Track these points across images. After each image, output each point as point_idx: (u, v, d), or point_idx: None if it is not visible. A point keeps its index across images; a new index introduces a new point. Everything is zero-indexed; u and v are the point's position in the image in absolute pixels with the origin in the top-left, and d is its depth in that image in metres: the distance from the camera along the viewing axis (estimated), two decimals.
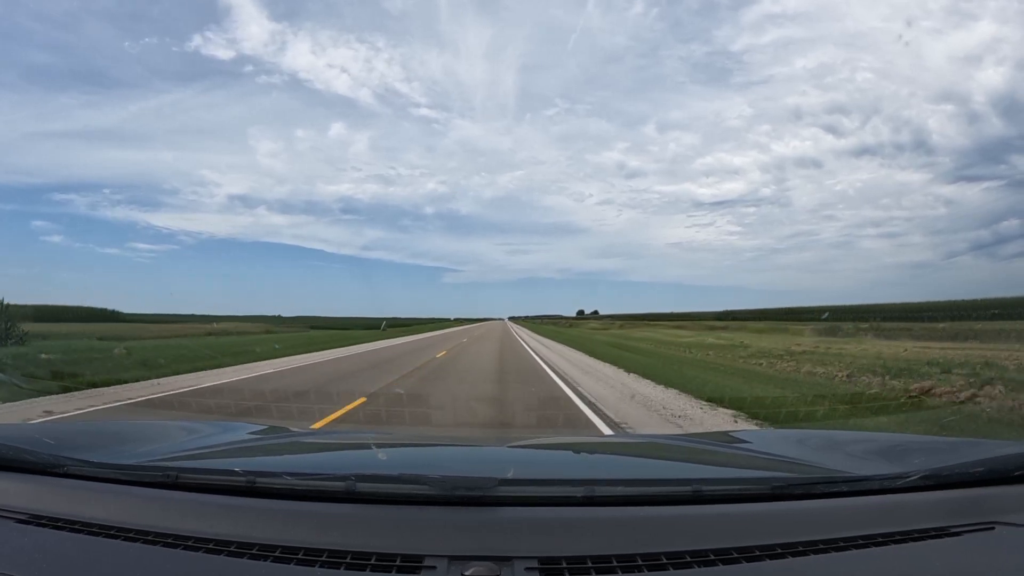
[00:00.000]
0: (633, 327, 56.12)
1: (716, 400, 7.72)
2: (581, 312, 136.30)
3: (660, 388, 9.38)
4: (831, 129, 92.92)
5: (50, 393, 7.85)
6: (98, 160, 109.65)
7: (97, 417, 6.42)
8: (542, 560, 0.90)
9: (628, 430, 6.12)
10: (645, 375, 11.27)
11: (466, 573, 0.87)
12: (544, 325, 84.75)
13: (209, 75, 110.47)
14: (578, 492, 1.08)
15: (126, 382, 9.34)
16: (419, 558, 0.91)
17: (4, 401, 7.15)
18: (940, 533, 1.02)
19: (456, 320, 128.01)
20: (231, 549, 0.94)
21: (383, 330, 43.06)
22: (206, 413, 6.80)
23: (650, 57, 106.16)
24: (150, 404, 7.35)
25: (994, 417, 6.12)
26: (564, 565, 0.90)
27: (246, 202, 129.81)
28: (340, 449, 1.97)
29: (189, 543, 0.96)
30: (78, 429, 2.50)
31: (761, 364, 13.96)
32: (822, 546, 0.96)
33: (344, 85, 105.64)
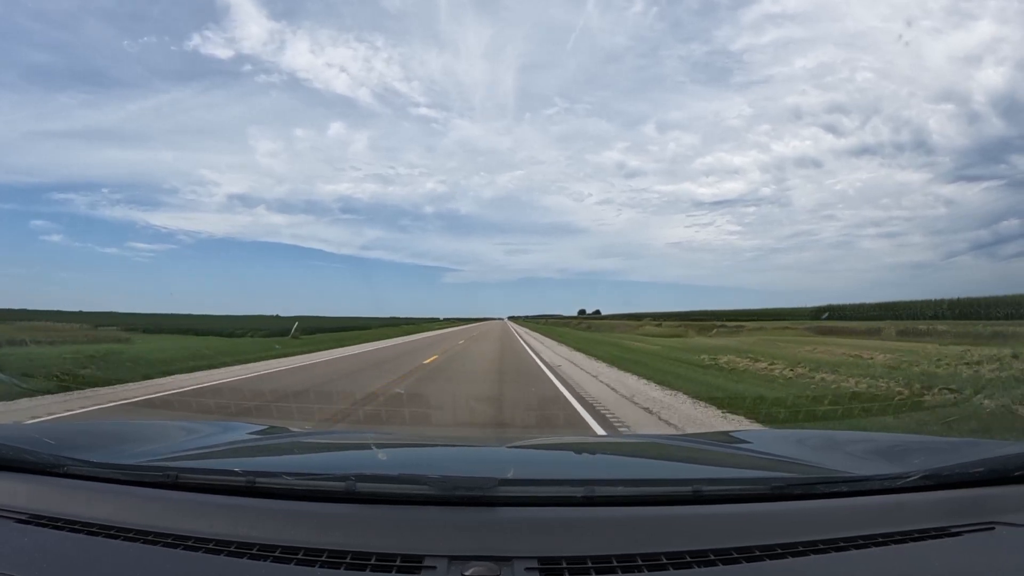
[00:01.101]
0: (715, 333, 32.12)
1: None
2: (583, 311, 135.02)
3: None
4: (831, 129, 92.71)
5: None
6: (97, 160, 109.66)
7: None
8: (542, 560, 0.90)
9: None
10: None
11: (466, 573, 0.87)
12: (557, 327, 60.33)
13: (208, 74, 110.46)
14: (578, 492, 1.08)
15: None
16: (419, 558, 0.91)
17: None
18: (940, 533, 1.02)
19: (447, 320, 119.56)
20: (231, 549, 0.94)
21: (293, 337, 24.56)
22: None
23: (650, 57, 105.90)
24: None
25: None
26: (564, 565, 0.90)
27: (245, 202, 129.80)
28: (340, 449, 1.97)
29: (189, 543, 0.96)
30: (78, 429, 2.50)
31: None
32: (822, 546, 0.96)
33: (343, 84, 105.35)
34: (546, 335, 38.20)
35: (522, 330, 53.24)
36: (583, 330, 51.61)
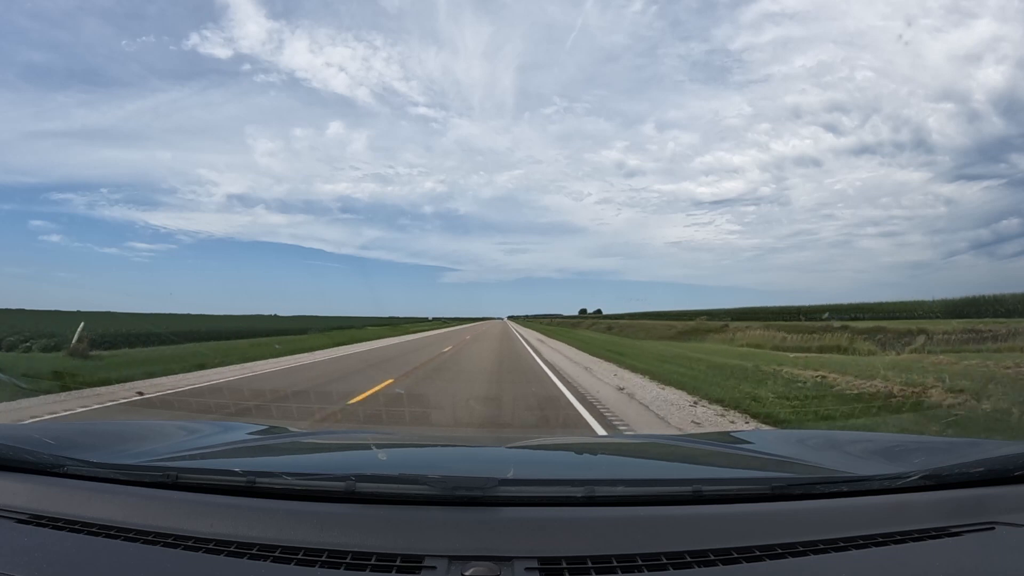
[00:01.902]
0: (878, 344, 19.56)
1: None
2: (584, 311, 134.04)
3: None
4: (831, 128, 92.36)
5: None
6: (96, 159, 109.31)
7: None
8: (542, 560, 0.90)
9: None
10: None
11: (466, 573, 0.87)
12: (569, 329, 48.61)
13: (206, 74, 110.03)
14: (578, 492, 1.08)
15: None
16: (419, 558, 0.91)
17: None
18: (940, 533, 1.02)
19: (437, 321, 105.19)
20: (231, 549, 0.95)
21: (72, 355, 13.38)
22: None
23: (648, 56, 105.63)
24: None
25: None
26: (564, 565, 0.90)
27: (244, 201, 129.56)
28: (340, 449, 1.97)
29: (189, 543, 0.96)
30: (78, 429, 2.50)
31: None
32: (822, 546, 0.96)
33: (342, 84, 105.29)
34: (575, 345, 22.92)
35: (531, 335, 36.30)
36: (603, 332, 39.17)
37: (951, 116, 78.87)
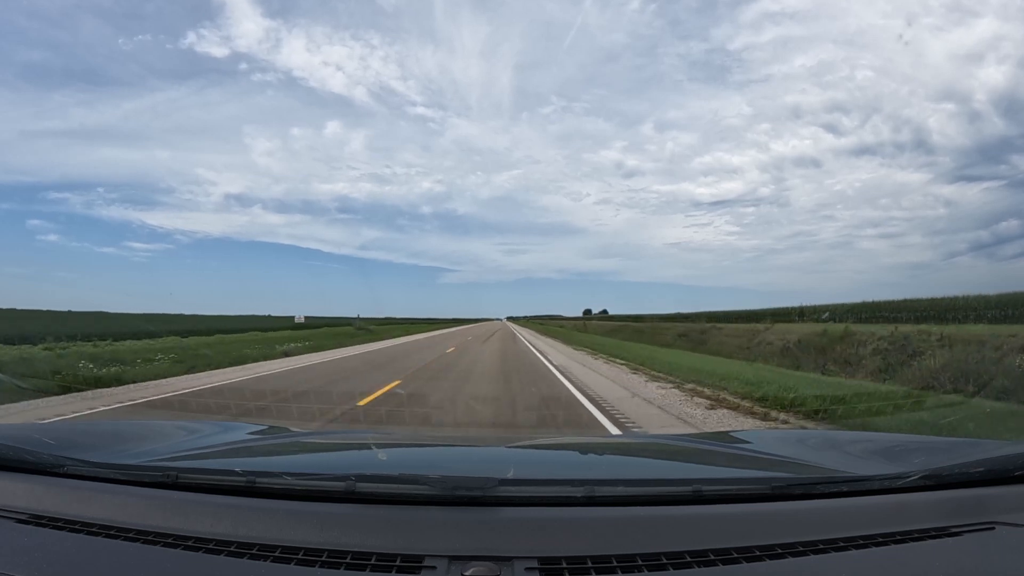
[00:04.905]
0: None
1: None
2: (588, 312, 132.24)
3: None
4: (831, 128, 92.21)
5: None
6: (93, 159, 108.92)
7: None
8: (542, 560, 0.90)
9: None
10: None
11: (466, 573, 0.87)
12: (607, 338, 33.03)
13: (204, 73, 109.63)
14: (578, 492, 1.08)
15: None
16: (419, 558, 0.91)
17: None
18: (940, 533, 1.02)
19: (387, 322, 61.69)
20: (231, 549, 0.95)
21: None
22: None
23: (648, 55, 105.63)
24: None
25: None
26: (564, 565, 0.90)
27: (242, 201, 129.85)
28: (340, 449, 1.97)
29: (189, 543, 0.96)
30: (78, 429, 2.50)
31: None
32: (822, 546, 0.96)
33: (339, 83, 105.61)
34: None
35: (575, 365, 14.65)
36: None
37: (952, 116, 78.73)
